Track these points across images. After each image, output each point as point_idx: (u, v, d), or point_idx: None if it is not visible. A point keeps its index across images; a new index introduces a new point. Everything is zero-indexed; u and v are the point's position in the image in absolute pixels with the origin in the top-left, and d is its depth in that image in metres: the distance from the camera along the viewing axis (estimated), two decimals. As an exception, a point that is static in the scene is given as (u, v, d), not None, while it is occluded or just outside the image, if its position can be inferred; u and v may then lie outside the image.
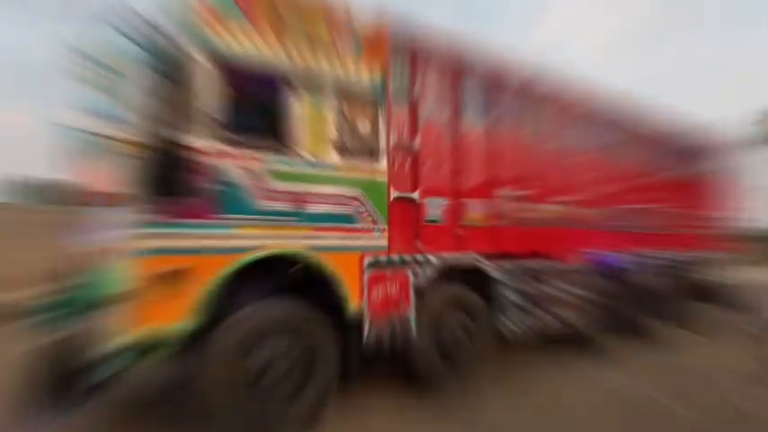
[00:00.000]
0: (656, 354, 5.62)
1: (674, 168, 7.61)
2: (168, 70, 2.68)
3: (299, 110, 3.41)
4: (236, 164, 3.04)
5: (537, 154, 5.45)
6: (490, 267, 4.60)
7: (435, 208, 4.30)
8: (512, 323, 4.74)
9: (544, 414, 3.70)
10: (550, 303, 5.20)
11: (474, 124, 4.76)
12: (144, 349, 2.69)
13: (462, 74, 4.66)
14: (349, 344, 3.56)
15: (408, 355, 3.99)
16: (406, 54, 4.22)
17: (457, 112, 4.57)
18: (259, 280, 3.51)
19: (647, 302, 6.57)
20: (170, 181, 2.63)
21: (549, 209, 5.46)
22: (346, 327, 3.57)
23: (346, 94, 3.70)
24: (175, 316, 2.74)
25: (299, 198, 3.30)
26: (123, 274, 2.67)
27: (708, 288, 8.01)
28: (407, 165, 4.11)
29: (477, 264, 4.50)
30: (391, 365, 4.12)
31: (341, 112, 3.64)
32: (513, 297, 4.79)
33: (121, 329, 2.63)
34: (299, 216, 3.29)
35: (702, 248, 7.95)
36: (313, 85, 3.51)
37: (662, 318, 6.97)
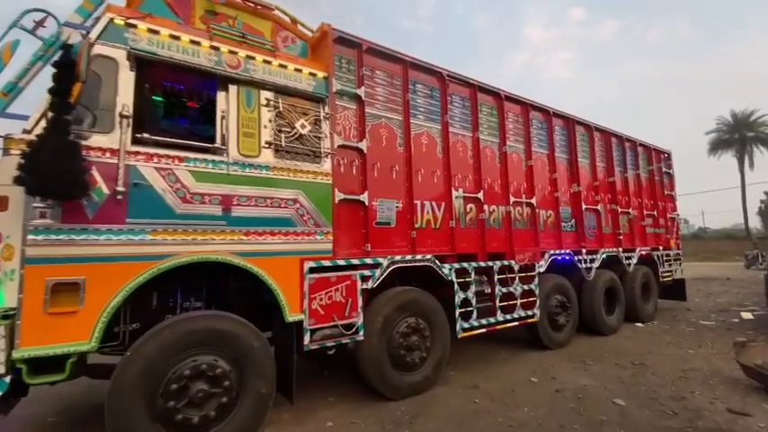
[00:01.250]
0: (609, 348, 5.48)
1: (622, 172, 7.61)
2: (70, 65, 2.53)
3: (229, 109, 3.28)
4: (151, 164, 2.88)
5: (491, 156, 5.36)
6: (446, 269, 4.45)
7: (387, 210, 4.15)
8: (468, 323, 4.59)
9: (491, 412, 3.52)
10: (506, 302, 5.06)
11: (426, 127, 4.66)
12: (32, 371, 2.47)
13: (411, 78, 4.57)
14: (289, 353, 3.39)
15: (359, 361, 3.82)
16: (353, 57, 4.12)
17: (408, 114, 4.45)
18: (190, 289, 3.36)
19: (598, 298, 6.46)
20: (69, 182, 2.46)
21: (504, 210, 5.34)
22: (287, 335, 3.40)
23: (286, 95, 3.59)
24: (71, 334, 2.51)
25: (228, 200, 3.14)
26: (8, 286, 2.47)
27: (657, 282, 8.10)
28: (355, 166, 3.97)
29: (432, 266, 4.35)
30: (340, 371, 3.94)
31: (279, 113, 3.51)
32: (470, 297, 4.64)
33: (4, 350, 2.41)
34: (227, 220, 3.12)
35: (651, 245, 7.98)
36: (247, 85, 3.38)
37: (614, 312, 6.88)
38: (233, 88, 3.32)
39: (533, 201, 5.71)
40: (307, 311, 3.39)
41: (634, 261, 7.38)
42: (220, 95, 3.30)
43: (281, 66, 3.59)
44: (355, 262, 3.78)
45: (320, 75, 3.80)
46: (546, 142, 6.20)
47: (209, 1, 3.60)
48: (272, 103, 3.46)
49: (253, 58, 3.44)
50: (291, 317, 3.32)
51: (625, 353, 5.52)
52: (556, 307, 5.79)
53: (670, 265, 8.52)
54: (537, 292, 5.45)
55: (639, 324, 7.37)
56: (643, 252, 7.71)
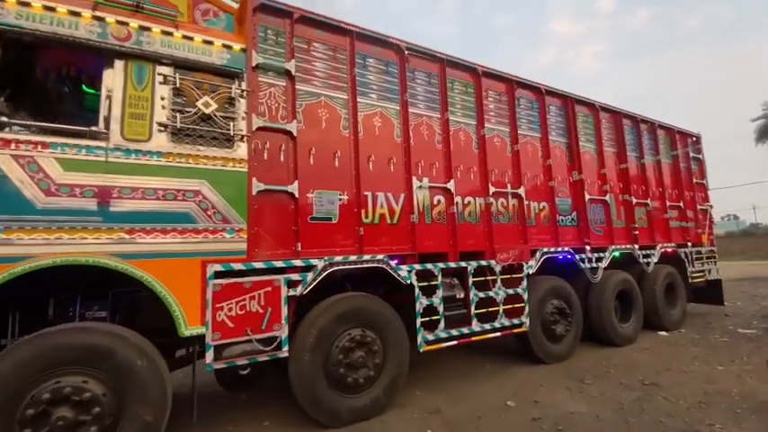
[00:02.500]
0: (619, 362, 4.57)
1: (639, 158, 6.63)
2: None
3: (114, 87, 2.80)
4: (7, 151, 2.43)
5: (466, 140, 4.64)
6: (403, 271, 3.79)
7: (327, 203, 3.55)
8: (433, 334, 3.90)
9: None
10: (485, 309, 4.31)
11: (381, 107, 4.03)
12: None
13: (360, 52, 3.96)
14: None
15: (290, 380, 3.23)
16: (282, 27, 3.57)
17: (355, 92, 3.84)
18: (95, 298, 2.90)
19: (608, 303, 5.54)
20: None
21: (483, 202, 4.60)
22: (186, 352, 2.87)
23: (192, 70, 3.08)
24: None
25: (106, 193, 2.65)
26: None
27: (685, 284, 7.00)
28: (283, 152, 3.40)
29: (385, 268, 3.70)
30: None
31: (179, 90, 3.00)
32: (436, 304, 3.94)
33: None
34: (103, 215, 2.63)
35: (677, 241, 6.92)
36: (138, 59, 2.90)
37: (630, 320, 5.90)
38: (119, 63, 2.84)
39: (521, 191, 4.92)
40: (210, 324, 2.83)
41: (654, 259, 6.36)
42: (107, 73, 2.83)
43: (186, 37, 3.09)
44: (279, 264, 3.20)
45: (236, 47, 3.27)
46: (538, 124, 5.40)
47: None
48: (169, 79, 2.96)
49: (148, 29, 2.96)
50: (189, 330, 2.78)
51: (637, 369, 4.62)
52: (552, 314, 4.96)
53: (702, 263, 7.37)
54: (526, 296, 4.66)
55: (663, 333, 6.34)
56: (667, 249, 6.67)
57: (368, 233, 3.72)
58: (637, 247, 6.16)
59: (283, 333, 3.10)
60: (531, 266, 4.79)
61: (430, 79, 4.45)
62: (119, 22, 2.87)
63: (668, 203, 6.93)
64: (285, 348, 3.11)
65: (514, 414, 3.44)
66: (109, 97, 2.79)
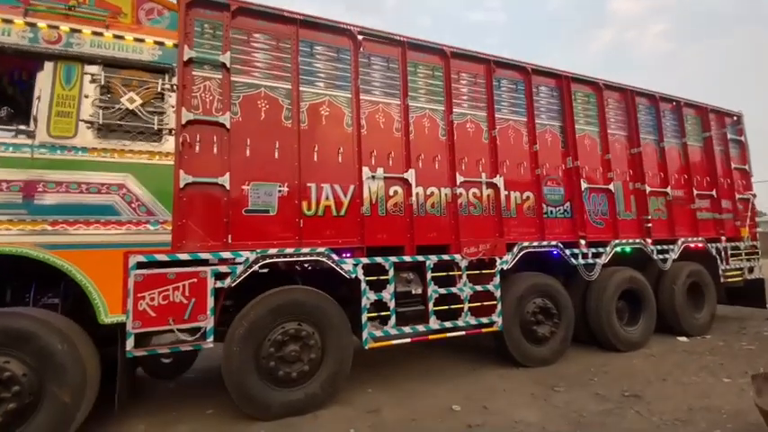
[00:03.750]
0: (611, 369, 4.03)
1: (657, 141, 5.92)
2: None
3: (43, 88, 2.95)
4: None
5: (431, 127, 4.36)
6: (348, 265, 3.66)
7: (264, 195, 3.52)
8: (382, 331, 3.75)
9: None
10: (447, 306, 4.06)
11: (329, 95, 3.90)
12: None
13: (306, 39, 3.86)
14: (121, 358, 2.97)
15: (223, 372, 3.25)
16: (221, 20, 3.55)
17: (298, 81, 3.75)
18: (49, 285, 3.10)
19: (608, 304, 5.00)
20: None
21: (449, 193, 4.31)
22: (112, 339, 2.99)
23: (122, 68, 3.18)
24: None
25: (31, 187, 2.81)
26: None
27: (716, 283, 6.14)
28: (215, 144, 3.40)
29: (326, 261, 3.59)
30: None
31: (106, 88, 3.10)
32: (386, 299, 3.77)
33: None
34: (28, 208, 2.79)
35: (707, 235, 6.08)
36: (67, 60, 3.03)
37: (637, 323, 5.31)
38: (49, 65, 2.99)
39: (497, 180, 4.56)
40: (131, 312, 2.92)
41: (673, 255, 5.63)
42: (39, 74, 2.99)
43: (117, 37, 3.19)
44: (205, 256, 3.22)
45: (169, 43, 3.32)
46: (523, 107, 4.96)
47: None
48: (96, 77, 3.07)
49: (78, 31, 3.09)
50: (109, 318, 2.89)
51: (627, 377, 4.12)
52: (534, 314, 4.56)
53: (740, 261, 6.41)
54: (498, 294, 4.33)
55: (683, 338, 5.61)
56: (691, 244, 5.88)
57: (310, 225, 3.63)
58: (650, 241, 5.48)
59: (208, 324, 3.12)
60: (506, 262, 4.43)
61: (389, 64, 4.24)
62: (50, 26, 3.02)
63: (696, 192, 6.09)
64: (210, 339, 3.13)
65: (453, 419, 3.19)
66: (39, 97, 2.95)
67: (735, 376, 4.00)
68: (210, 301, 3.15)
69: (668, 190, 5.80)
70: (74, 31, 3.08)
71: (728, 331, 5.99)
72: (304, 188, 3.65)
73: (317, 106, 3.84)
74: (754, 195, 6.91)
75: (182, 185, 3.20)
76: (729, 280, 6.27)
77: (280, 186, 3.58)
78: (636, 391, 3.73)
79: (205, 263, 3.23)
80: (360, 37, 4.08)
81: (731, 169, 6.67)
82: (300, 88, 3.77)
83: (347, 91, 3.98)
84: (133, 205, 3.05)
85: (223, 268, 3.24)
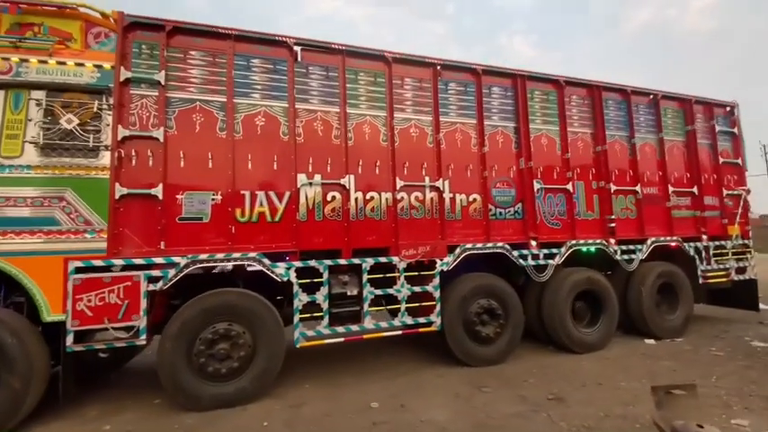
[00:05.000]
0: (555, 372, 4.01)
1: (628, 137, 5.77)
2: None
3: (-7, 113, 3.34)
4: None
5: (372, 134, 4.48)
6: (281, 268, 3.88)
7: (197, 203, 3.79)
8: (314, 331, 3.97)
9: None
10: (383, 306, 4.22)
11: (265, 106, 4.10)
12: None
13: (242, 53, 4.07)
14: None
15: (158, 366, 3.58)
16: (158, 41, 3.82)
17: (232, 94, 3.97)
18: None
19: (563, 305, 4.99)
20: None
21: (390, 197, 4.42)
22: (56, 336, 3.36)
23: (63, 91, 3.52)
24: None
25: (-22, 202, 3.21)
26: None
27: (696, 284, 5.92)
28: (150, 158, 3.69)
29: (258, 265, 3.83)
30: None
31: (49, 110, 3.45)
32: (319, 300, 3.98)
33: None
34: (-19, 221, 3.20)
35: (684, 234, 5.91)
36: (16, 88, 3.41)
37: (597, 324, 5.27)
38: (1, 93, 3.37)
39: (440, 184, 4.62)
40: (70, 312, 3.28)
41: (641, 256, 5.49)
42: None
43: (60, 63, 3.53)
44: (139, 262, 3.53)
45: (106, 66, 3.63)
46: (473, 109, 4.96)
47: (10, 14, 3.70)
48: (40, 101, 3.42)
49: (26, 60, 3.45)
50: (51, 316, 3.27)
51: (565, 380, 4.13)
52: (478, 314, 4.63)
53: (726, 261, 6.12)
54: (437, 294, 4.43)
55: (650, 341, 5.47)
56: (663, 244, 5.69)
57: (243, 231, 3.88)
58: (613, 241, 5.37)
59: (141, 323, 3.45)
60: (447, 263, 4.51)
61: (328, 73, 4.38)
62: (2, 58, 3.40)
63: (672, 190, 5.86)
64: (143, 337, 3.45)
65: (363, 417, 3.36)
66: (-8, 123, 3.34)
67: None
68: (143, 303, 3.47)
69: (638, 188, 5.62)
70: (22, 60, 3.44)
71: (707, 335, 5.77)
72: (238, 196, 3.89)
73: (253, 117, 4.05)
74: (748, 191, 6.53)
75: (117, 197, 3.52)
76: (711, 281, 6.00)
77: (213, 195, 3.84)
78: (564, 394, 3.75)
79: (140, 267, 3.54)
80: (297, 48, 4.24)
81: (719, 164, 6.34)
82: (235, 100, 3.99)
83: (283, 101, 4.16)
84: (72, 216, 3.40)
85: (156, 272, 3.55)
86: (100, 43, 3.87)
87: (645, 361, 4.71)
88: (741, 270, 6.26)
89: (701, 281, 5.88)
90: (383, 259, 4.31)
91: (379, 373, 4.46)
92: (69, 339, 3.29)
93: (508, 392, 3.83)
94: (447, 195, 4.68)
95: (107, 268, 3.45)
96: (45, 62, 3.49)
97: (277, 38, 4.19)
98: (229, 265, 3.94)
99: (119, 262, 3.48)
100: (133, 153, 3.65)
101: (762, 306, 7.33)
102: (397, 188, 4.44)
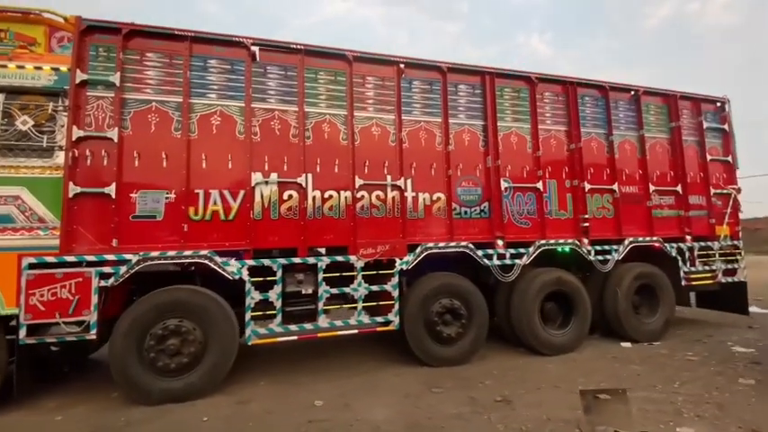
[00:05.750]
0: (517, 374, 3.91)
1: (606, 135, 5.61)
2: None
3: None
4: None
5: (331, 132, 4.48)
6: (232, 266, 3.93)
7: (151, 202, 3.86)
8: (266, 329, 4.01)
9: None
10: (340, 305, 4.22)
11: (221, 105, 4.15)
12: None
13: (199, 54, 4.13)
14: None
15: (110, 360, 3.67)
16: (115, 43, 3.91)
17: (188, 94, 4.03)
18: None
19: (530, 306, 4.90)
20: None
21: (349, 195, 4.42)
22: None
23: (21, 93, 3.65)
24: None
25: (-64, 201, 3.36)
26: None
27: (679, 286, 5.73)
28: (104, 157, 3.79)
29: (208, 263, 3.89)
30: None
31: (3, 112, 3.59)
32: (272, 298, 4.01)
33: None
34: (-60, 219, 3.35)
35: (666, 234, 5.73)
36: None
37: (568, 326, 5.17)
38: None
39: (401, 183, 4.59)
40: (23, 306, 3.40)
41: (617, 256, 5.33)
42: None
43: (20, 67, 3.66)
44: (90, 258, 3.63)
45: (63, 68, 3.74)
46: (438, 107, 4.91)
47: None
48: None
49: None
50: (5, 310, 3.40)
51: (522, 382, 4.05)
52: (440, 314, 4.58)
53: (712, 262, 5.88)
54: (396, 293, 4.41)
55: (626, 344, 5.31)
56: (642, 244, 5.52)
57: (196, 230, 3.94)
58: (586, 241, 5.23)
59: (92, 318, 3.54)
60: (407, 262, 4.48)
61: (286, 72, 4.40)
62: None
63: (653, 189, 5.68)
64: (93, 331, 3.54)
65: (303, 415, 3.36)
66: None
67: (637, 389, 3.77)
68: (94, 299, 3.56)
69: (615, 187, 5.46)
70: (-16, 65, 3.58)
71: (689, 339, 5.56)
72: (191, 195, 3.95)
73: (209, 116, 4.11)
74: (738, 190, 6.27)
75: (71, 195, 3.62)
76: (695, 283, 5.79)
77: (167, 193, 3.91)
78: (515, 396, 3.68)
79: (92, 264, 3.64)
80: (254, 48, 4.28)
81: (707, 162, 6.10)
82: (191, 100, 4.05)
83: (240, 101, 4.21)
84: (27, 214, 3.53)
85: (107, 269, 3.64)
86: (62, 47, 4.02)
87: (613, 364, 4.57)
88: (730, 272, 6.01)
89: (683, 283, 5.68)
90: (340, 258, 4.31)
91: (338, 372, 4.46)
92: (22, 332, 3.41)
93: (459, 393, 3.78)
94: (409, 194, 4.65)
95: (60, 264, 3.55)
96: (5, 66, 3.62)
97: (234, 38, 4.23)
98: (186, 263, 4.00)
99: (71, 259, 3.58)
100: (88, 153, 3.75)
101: (758, 310, 7.08)
102: (357, 187, 4.43)
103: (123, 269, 3.67)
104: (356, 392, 3.85)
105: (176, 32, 4.07)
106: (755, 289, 6.24)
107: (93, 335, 3.55)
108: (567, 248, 5.20)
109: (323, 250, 4.49)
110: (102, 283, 3.61)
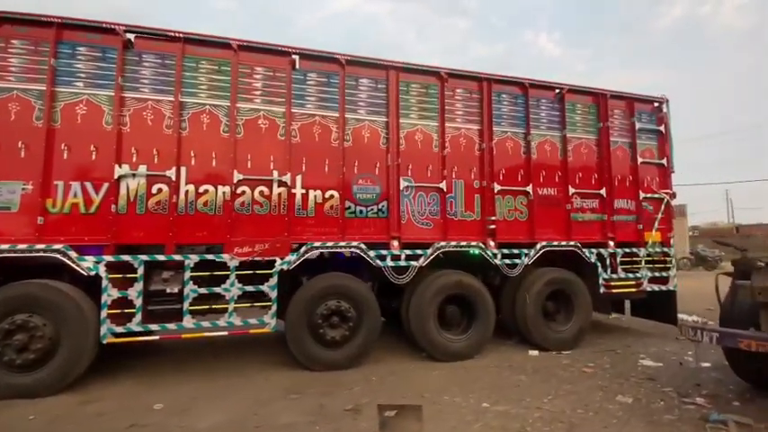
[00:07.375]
0: (392, 381, 3.72)
1: (524, 135, 5.35)
2: None
3: None
4: None
5: (211, 124, 4.31)
6: (89, 262, 3.79)
7: (6, 193, 3.73)
8: (124, 327, 3.87)
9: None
10: (208, 305, 4.07)
11: (87, 94, 4.00)
12: None
13: (67, 41, 3.98)
14: None
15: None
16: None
17: (52, 82, 3.88)
18: None
19: (426, 310, 4.68)
20: None
21: (228, 191, 4.24)
22: None
23: None
24: None
25: None
26: None
27: (596, 293, 5.44)
28: (-50, 146, 3.66)
29: (61, 257, 3.75)
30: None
31: None
32: (131, 296, 3.87)
33: None
34: None
35: (584, 239, 5.47)
36: None
37: (468, 331, 4.97)
38: None
39: (287, 178, 4.41)
40: None
41: (525, 261, 5.10)
42: None
43: None
44: (-69, 250, 3.52)
45: None
46: (335, 102, 4.70)
47: None
48: None
49: None
50: None
51: (392, 390, 3.86)
52: (326, 316, 4.40)
53: (637, 269, 5.61)
54: (274, 294, 4.24)
55: (534, 352, 5.09)
56: (563, 249, 5.28)
57: (53, 223, 3.80)
58: (492, 244, 5.01)
59: (-69, 311, 3.43)
60: (288, 262, 4.30)
61: (163, 60, 4.23)
62: None
63: (573, 191, 5.42)
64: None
65: (130, 418, 3.19)
66: None
67: (504, 402, 3.57)
68: (-62, 292, 3.45)
69: (529, 188, 5.22)
70: None
71: (600, 349, 5.30)
72: (49, 186, 3.82)
73: (74, 105, 3.96)
74: (672, 195, 5.97)
75: None
76: (616, 291, 5.53)
77: (24, 185, 3.77)
78: (369, 406, 3.46)
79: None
80: (129, 36, 4.12)
81: (638, 165, 5.82)
82: (56, 89, 3.91)
83: (109, 89, 4.05)
84: None
85: (-50, 262, 3.53)
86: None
87: (502, 374, 4.36)
88: (659, 280, 5.73)
89: (602, 290, 5.42)
90: (210, 256, 4.15)
91: (206, 375, 4.27)
92: None
93: (313, 401, 3.60)
94: (299, 191, 4.47)
95: None
96: None
97: (104, 25, 4.07)
98: (38, 257, 3.85)
99: None
100: (-69, 142, 3.63)
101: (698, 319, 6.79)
102: (236, 182, 4.26)
103: (-32, 263, 3.55)
104: (208, 396, 3.69)
105: (43, 19, 3.92)
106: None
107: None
108: (476, 251, 4.98)
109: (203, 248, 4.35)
110: (-57, 276, 3.50)
